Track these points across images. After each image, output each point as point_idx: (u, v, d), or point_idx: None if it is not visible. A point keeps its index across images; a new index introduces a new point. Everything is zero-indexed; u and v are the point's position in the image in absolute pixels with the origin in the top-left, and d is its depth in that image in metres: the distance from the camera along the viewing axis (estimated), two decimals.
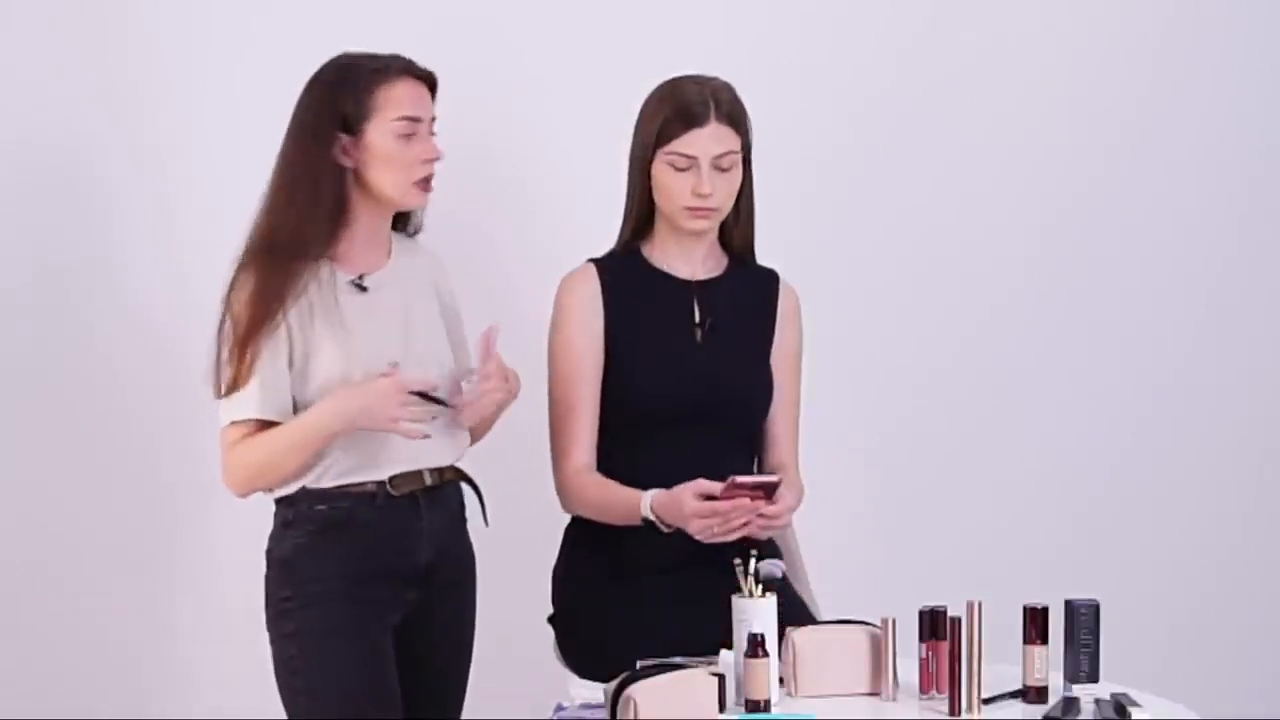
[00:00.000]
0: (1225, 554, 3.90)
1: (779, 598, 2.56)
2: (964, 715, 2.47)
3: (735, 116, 2.84)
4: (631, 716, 2.34)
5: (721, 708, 2.40)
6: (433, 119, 2.76)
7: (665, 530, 2.73)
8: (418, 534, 2.76)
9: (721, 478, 2.66)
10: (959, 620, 2.50)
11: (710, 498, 2.66)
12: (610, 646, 2.71)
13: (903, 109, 3.72)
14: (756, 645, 2.46)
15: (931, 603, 2.55)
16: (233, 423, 2.68)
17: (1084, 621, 2.54)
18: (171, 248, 3.51)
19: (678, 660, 2.48)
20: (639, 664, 2.44)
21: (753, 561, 2.57)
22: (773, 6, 3.68)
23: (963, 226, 3.75)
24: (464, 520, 2.87)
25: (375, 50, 2.74)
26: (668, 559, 2.79)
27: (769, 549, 2.83)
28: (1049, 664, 2.54)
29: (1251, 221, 3.88)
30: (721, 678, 2.41)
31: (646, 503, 2.74)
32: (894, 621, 2.55)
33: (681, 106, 2.81)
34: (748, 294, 2.96)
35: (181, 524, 3.57)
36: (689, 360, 2.88)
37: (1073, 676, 2.55)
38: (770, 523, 2.70)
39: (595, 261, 2.93)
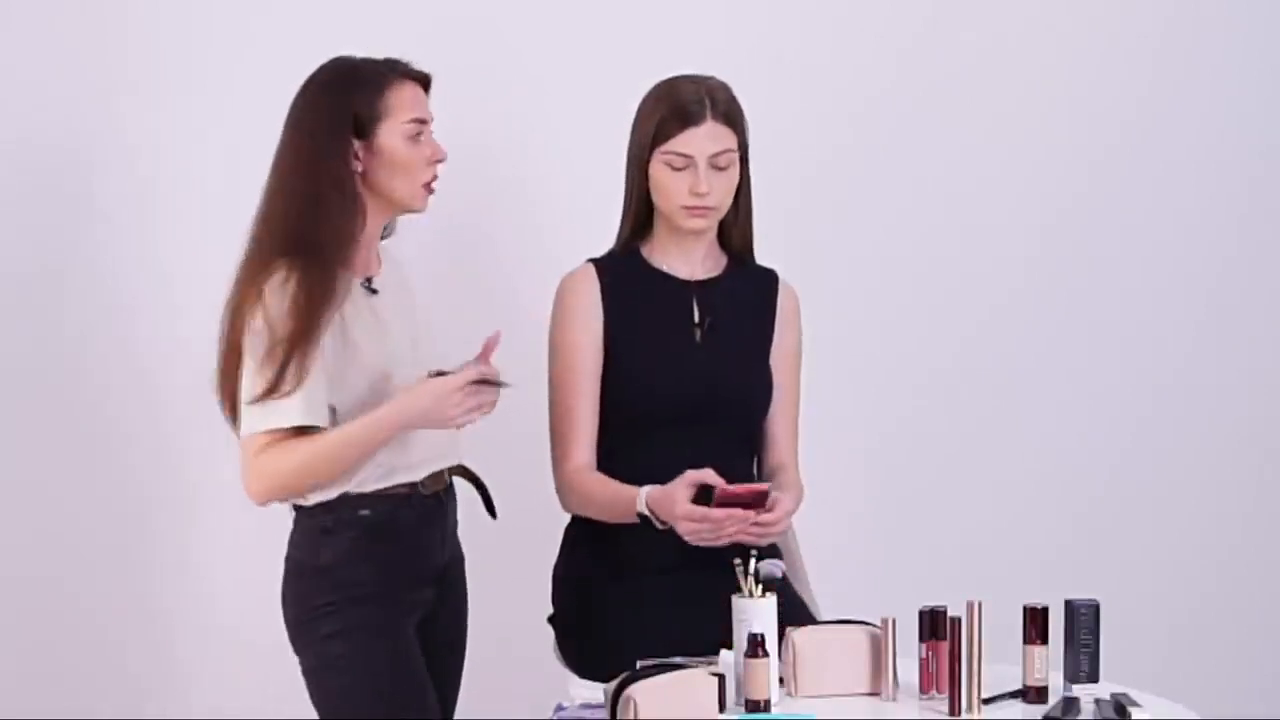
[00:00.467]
0: (1225, 554, 3.90)
1: (779, 598, 2.55)
2: (964, 715, 2.47)
3: (731, 115, 2.83)
4: (631, 716, 2.34)
5: (721, 708, 2.40)
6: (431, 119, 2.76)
7: (660, 527, 2.72)
8: (441, 533, 2.76)
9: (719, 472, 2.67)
10: (959, 620, 2.50)
11: (702, 490, 2.66)
12: (610, 646, 2.72)
13: (903, 109, 3.72)
14: (756, 645, 2.46)
15: (931, 603, 2.55)
16: (267, 430, 2.57)
17: (1084, 621, 2.54)
18: (172, 248, 3.50)
19: (678, 660, 2.48)
20: (639, 664, 2.43)
21: (753, 561, 2.57)
22: (773, 6, 3.68)
23: (963, 226, 3.75)
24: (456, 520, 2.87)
25: (370, 51, 2.70)
26: (668, 559, 2.78)
27: (769, 549, 2.83)
28: (1049, 664, 2.54)
29: (1251, 221, 3.88)
30: (721, 678, 2.41)
31: (641, 498, 2.73)
32: (894, 621, 2.54)
33: (677, 106, 2.81)
34: (747, 293, 2.95)
35: (181, 524, 3.57)
36: (688, 360, 2.88)
37: (1073, 676, 2.55)
38: (767, 530, 2.70)
39: (595, 261, 2.93)
